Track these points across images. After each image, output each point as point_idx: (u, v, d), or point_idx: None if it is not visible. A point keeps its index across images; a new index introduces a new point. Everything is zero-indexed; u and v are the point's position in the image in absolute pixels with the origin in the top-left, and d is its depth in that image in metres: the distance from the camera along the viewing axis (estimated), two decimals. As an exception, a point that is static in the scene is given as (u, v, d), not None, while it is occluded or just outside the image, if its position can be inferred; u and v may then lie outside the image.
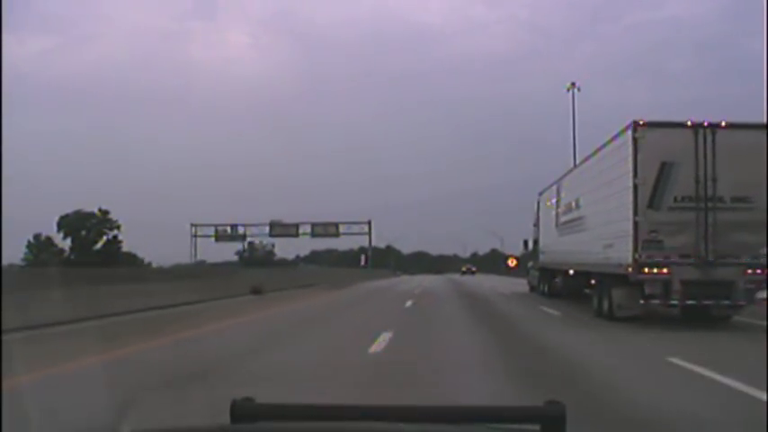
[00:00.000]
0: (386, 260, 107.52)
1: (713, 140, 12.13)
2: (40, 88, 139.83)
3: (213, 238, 78.35)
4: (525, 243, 29.79)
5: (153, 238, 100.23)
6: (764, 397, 5.75)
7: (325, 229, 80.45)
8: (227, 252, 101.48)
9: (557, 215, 20.46)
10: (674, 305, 12.31)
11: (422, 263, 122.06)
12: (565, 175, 19.30)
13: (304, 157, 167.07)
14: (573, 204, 17.98)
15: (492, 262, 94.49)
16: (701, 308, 12.64)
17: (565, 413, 1.43)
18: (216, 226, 79.25)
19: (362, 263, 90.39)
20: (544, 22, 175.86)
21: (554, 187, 21.11)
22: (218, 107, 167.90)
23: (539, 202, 24.87)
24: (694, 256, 12.00)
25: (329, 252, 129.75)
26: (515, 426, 1.50)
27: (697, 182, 12.05)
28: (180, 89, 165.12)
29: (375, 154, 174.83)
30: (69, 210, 73.86)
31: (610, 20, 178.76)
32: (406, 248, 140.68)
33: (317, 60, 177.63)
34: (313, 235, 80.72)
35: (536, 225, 26.09)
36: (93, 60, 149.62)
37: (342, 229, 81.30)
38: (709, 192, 12.03)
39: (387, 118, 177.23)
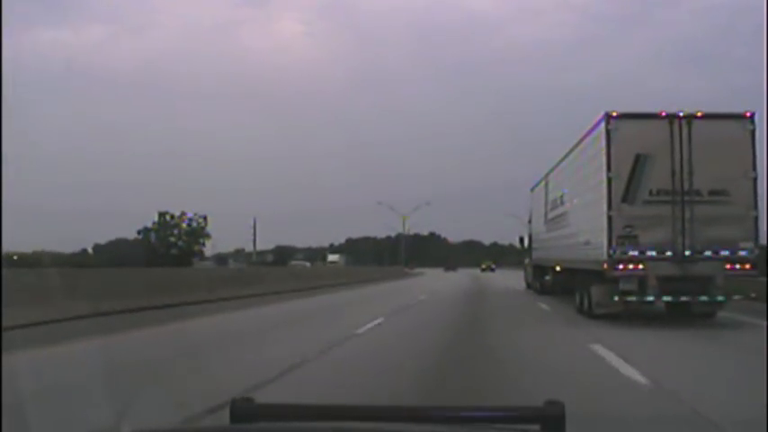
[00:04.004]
0: (418, 251, 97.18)
1: (689, 132, 11.75)
2: (93, 78, 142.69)
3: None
4: (521, 240, 29.41)
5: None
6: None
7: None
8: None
9: (545, 211, 20.12)
10: (649, 302, 11.95)
11: (473, 253, 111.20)
12: (551, 169, 18.94)
13: (357, 146, 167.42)
14: (558, 200, 17.65)
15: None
16: (681, 304, 12.29)
17: (564, 413, 1.44)
18: None
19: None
20: (601, 8, 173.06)
21: (543, 183, 20.76)
22: (268, 96, 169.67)
23: (531, 199, 24.54)
24: (671, 251, 11.65)
25: (366, 240, 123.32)
26: (515, 426, 1.49)
27: (673, 175, 11.68)
28: (231, 78, 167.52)
29: (427, 142, 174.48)
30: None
31: (668, 5, 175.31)
32: (456, 236, 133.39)
33: (371, 48, 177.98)
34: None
35: (530, 222, 25.79)
36: (145, 50, 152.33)
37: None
38: (686, 185, 11.65)
39: (439, 106, 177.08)
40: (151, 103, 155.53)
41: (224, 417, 1.50)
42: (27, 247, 58.71)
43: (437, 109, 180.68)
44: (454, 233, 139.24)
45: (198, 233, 62.10)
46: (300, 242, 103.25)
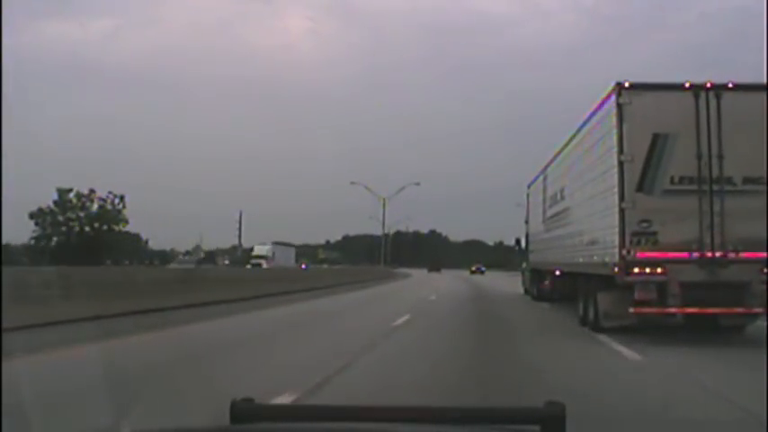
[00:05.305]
0: (419, 249, 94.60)
1: (718, 106, 9.71)
2: (98, 72, 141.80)
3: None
4: (518, 241, 27.30)
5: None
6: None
7: None
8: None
9: (543, 209, 18.07)
10: (671, 314, 9.85)
11: (473, 254, 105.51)
12: (550, 161, 16.88)
13: (361, 145, 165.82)
14: (558, 194, 15.59)
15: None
16: (707, 316, 10.23)
17: (564, 413, 1.44)
18: None
19: None
20: (610, 10, 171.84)
21: (541, 177, 18.71)
22: (270, 93, 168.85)
23: (528, 196, 22.50)
24: (697, 251, 9.58)
25: (363, 237, 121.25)
26: (515, 427, 1.49)
27: (699, 158, 9.63)
28: (231, 75, 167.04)
29: (431, 143, 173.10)
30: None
31: (678, 8, 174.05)
32: (459, 236, 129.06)
33: (376, 48, 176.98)
34: None
35: (527, 222, 23.76)
36: (150, 45, 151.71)
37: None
38: (715, 171, 9.61)
39: (445, 107, 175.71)
40: (152, 100, 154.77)
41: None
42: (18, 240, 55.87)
43: (443, 110, 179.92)
44: (457, 232, 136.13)
45: (110, 217, 44.67)
46: (298, 239, 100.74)
